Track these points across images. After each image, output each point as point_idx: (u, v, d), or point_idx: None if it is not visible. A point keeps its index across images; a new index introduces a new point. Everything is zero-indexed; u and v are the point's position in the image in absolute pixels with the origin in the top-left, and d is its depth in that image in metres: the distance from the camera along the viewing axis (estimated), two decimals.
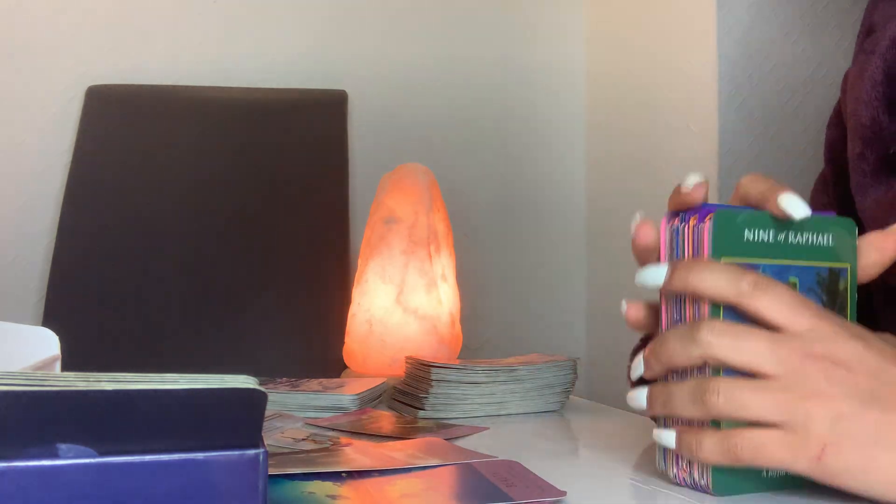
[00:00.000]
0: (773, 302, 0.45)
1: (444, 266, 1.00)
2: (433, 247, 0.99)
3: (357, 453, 0.59)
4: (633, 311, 0.52)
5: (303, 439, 0.65)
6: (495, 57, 1.42)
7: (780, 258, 0.49)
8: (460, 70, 1.40)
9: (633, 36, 1.34)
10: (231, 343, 1.14)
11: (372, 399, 0.84)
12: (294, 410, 0.79)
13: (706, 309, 0.47)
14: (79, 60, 1.26)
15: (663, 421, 0.49)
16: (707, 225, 0.48)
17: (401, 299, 0.97)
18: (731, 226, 0.48)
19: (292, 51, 1.34)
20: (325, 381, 0.88)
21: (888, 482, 0.42)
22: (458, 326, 1.01)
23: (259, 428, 0.36)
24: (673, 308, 0.50)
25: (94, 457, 0.34)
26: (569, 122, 1.46)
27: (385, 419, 0.76)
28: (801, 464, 0.44)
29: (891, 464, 0.42)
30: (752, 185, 0.50)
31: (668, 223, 0.51)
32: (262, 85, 1.31)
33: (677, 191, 0.50)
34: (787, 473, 0.46)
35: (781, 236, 0.49)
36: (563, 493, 0.48)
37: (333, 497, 0.48)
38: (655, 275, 0.49)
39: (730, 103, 1.12)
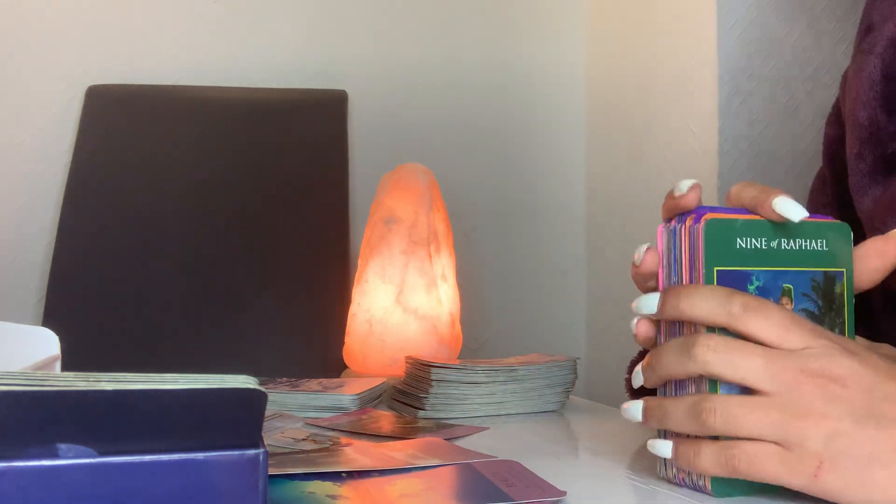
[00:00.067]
0: (765, 322, 0.45)
1: (444, 266, 1.00)
2: (433, 247, 0.99)
3: (357, 453, 0.59)
4: (643, 329, 0.52)
5: (303, 439, 0.65)
6: (496, 57, 1.42)
7: (773, 265, 0.49)
8: (460, 70, 1.40)
9: (633, 36, 1.34)
10: (231, 343, 1.14)
11: (372, 399, 0.84)
12: (294, 410, 0.79)
13: (702, 328, 0.48)
14: (79, 60, 1.27)
15: (660, 430, 0.49)
16: (701, 227, 0.48)
17: (401, 299, 0.97)
18: (723, 234, 0.48)
19: (292, 51, 1.34)
20: (325, 381, 0.88)
21: (886, 499, 0.42)
22: (458, 326, 1.01)
23: (259, 428, 0.36)
24: (670, 326, 0.50)
25: (94, 457, 0.34)
26: (569, 122, 1.46)
27: (385, 419, 0.76)
28: (797, 480, 0.44)
29: (887, 481, 0.42)
30: (744, 191, 0.50)
31: (665, 226, 0.51)
32: (262, 85, 1.31)
33: (671, 195, 0.50)
34: None
35: (775, 243, 0.49)
36: (563, 493, 0.48)
37: (333, 497, 0.48)
38: (649, 305, 0.50)
39: (730, 103, 1.12)
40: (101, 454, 0.34)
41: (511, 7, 1.44)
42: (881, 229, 0.51)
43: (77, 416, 0.33)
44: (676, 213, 0.50)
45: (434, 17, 1.40)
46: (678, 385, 0.49)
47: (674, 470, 0.50)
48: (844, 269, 0.50)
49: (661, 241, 0.51)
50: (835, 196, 0.71)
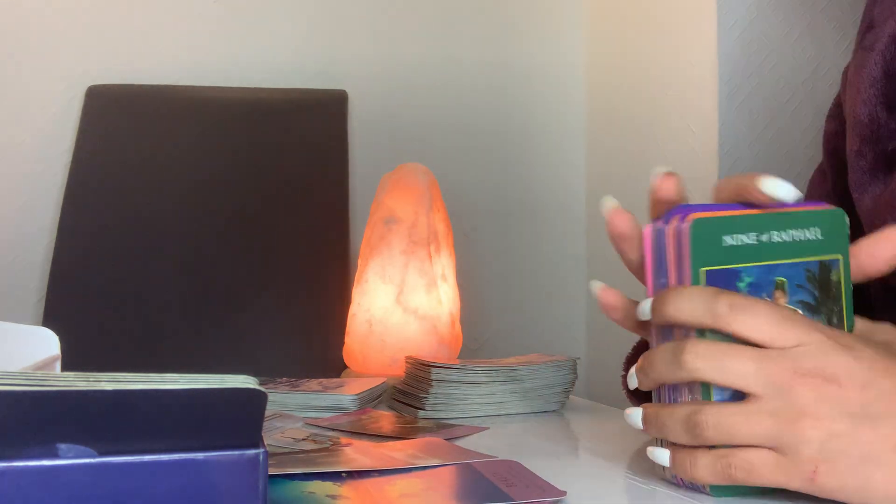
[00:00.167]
0: (753, 321, 0.44)
1: (444, 266, 1.00)
2: (433, 247, 0.99)
3: (357, 453, 0.59)
4: (608, 297, 0.52)
5: (303, 439, 0.65)
6: (496, 57, 1.42)
7: (764, 259, 0.48)
8: (461, 70, 1.40)
9: (633, 36, 1.34)
10: (231, 343, 1.14)
11: (372, 399, 0.84)
12: (294, 410, 0.79)
13: (687, 274, 0.47)
14: (79, 60, 1.26)
15: (658, 439, 0.49)
16: (686, 227, 0.47)
17: (401, 299, 0.97)
18: (710, 233, 0.47)
19: (292, 51, 1.34)
20: (325, 381, 0.88)
21: (885, 497, 0.42)
22: (458, 326, 1.01)
23: (259, 428, 0.36)
24: (662, 328, 0.50)
25: (94, 457, 0.34)
26: (569, 123, 1.46)
27: (385, 419, 0.76)
28: (795, 483, 0.44)
29: (885, 480, 0.42)
30: (726, 184, 0.49)
31: (652, 226, 0.50)
32: (262, 85, 1.31)
33: (651, 193, 0.50)
34: None
35: (765, 237, 0.48)
36: (563, 493, 0.48)
37: (333, 497, 0.48)
38: (643, 310, 0.49)
39: (730, 103, 1.12)
40: (101, 454, 0.34)
41: (511, 7, 1.44)
42: (881, 227, 0.51)
43: (77, 416, 0.33)
44: (661, 208, 0.50)
45: (434, 17, 1.40)
46: (672, 388, 0.49)
47: (672, 472, 0.50)
48: (840, 256, 0.49)
49: (649, 243, 0.50)
50: (834, 189, 0.71)
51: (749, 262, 0.47)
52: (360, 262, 1.02)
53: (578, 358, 0.84)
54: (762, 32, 1.13)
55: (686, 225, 0.47)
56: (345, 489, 0.49)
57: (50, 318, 1.12)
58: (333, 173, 1.25)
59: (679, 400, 0.48)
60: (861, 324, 0.50)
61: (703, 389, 0.46)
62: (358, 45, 1.36)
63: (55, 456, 0.33)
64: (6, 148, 1.24)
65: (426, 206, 1.00)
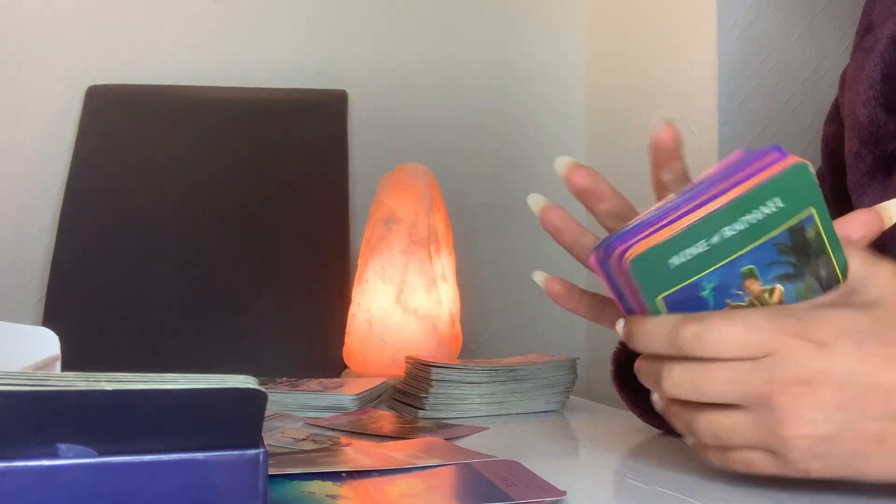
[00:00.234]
0: (720, 343, 0.44)
1: (444, 266, 1.00)
2: (433, 247, 0.99)
3: (357, 453, 0.59)
4: (553, 286, 0.56)
5: (303, 439, 0.65)
6: (496, 57, 1.42)
7: (723, 259, 0.45)
8: (461, 70, 1.40)
9: (633, 36, 1.34)
10: (231, 343, 1.14)
11: (372, 399, 0.84)
12: (294, 410, 0.79)
13: (645, 304, 0.46)
14: (79, 60, 1.26)
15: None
16: (627, 267, 0.45)
17: (401, 299, 0.97)
18: (653, 265, 0.45)
19: (292, 51, 1.34)
20: (325, 381, 0.88)
21: (882, 474, 0.44)
22: (457, 326, 1.01)
23: (259, 428, 0.36)
24: (618, 300, 0.49)
25: (94, 457, 0.34)
26: (569, 122, 1.46)
27: (385, 419, 0.76)
28: (793, 475, 0.45)
29: (876, 469, 0.43)
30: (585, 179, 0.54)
31: (596, 256, 0.49)
32: (262, 85, 1.31)
33: (650, 145, 0.52)
34: None
35: (715, 238, 0.45)
36: (563, 493, 0.48)
37: (333, 497, 0.48)
38: (621, 332, 0.50)
39: (730, 103, 1.12)
40: (101, 454, 0.34)
41: (511, 7, 1.44)
42: None
43: (77, 416, 0.33)
44: (661, 157, 0.51)
45: (434, 17, 1.40)
46: None
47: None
48: (812, 208, 0.46)
49: (600, 273, 0.49)
50: (832, 192, 0.71)
51: (706, 269, 0.45)
52: (360, 262, 1.02)
53: (578, 358, 0.84)
54: (762, 32, 1.13)
55: (626, 264, 0.45)
56: (345, 489, 0.49)
57: (50, 318, 1.12)
58: (333, 173, 1.25)
59: None
60: (857, 265, 0.46)
61: None
62: (358, 45, 1.36)
63: (55, 456, 0.33)
64: (6, 148, 1.24)
65: (426, 206, 1.00)
